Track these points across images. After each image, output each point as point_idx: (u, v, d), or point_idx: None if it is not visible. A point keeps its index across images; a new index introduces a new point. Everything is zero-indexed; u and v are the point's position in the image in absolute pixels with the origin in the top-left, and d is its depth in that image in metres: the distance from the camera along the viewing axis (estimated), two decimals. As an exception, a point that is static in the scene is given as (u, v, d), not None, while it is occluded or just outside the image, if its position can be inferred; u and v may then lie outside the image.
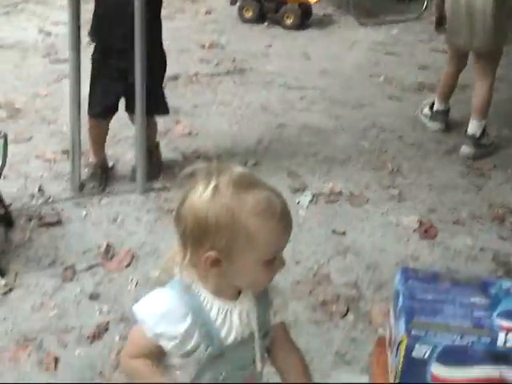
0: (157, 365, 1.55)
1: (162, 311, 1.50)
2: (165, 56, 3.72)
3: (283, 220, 1.48)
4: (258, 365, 1.60)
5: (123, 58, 3.47)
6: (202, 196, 1.44)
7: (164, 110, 3.80)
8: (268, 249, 1.47)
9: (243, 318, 1.55)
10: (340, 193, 3.86)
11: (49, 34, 6.12)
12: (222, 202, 1.42)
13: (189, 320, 1.49)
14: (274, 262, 1.49)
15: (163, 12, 3.78)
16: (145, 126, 3.64)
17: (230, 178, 1.45)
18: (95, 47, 3.58)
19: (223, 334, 1.52)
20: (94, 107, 3.60)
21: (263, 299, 1.59)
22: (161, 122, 4.42)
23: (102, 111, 3.63)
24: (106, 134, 3.79)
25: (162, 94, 3.75)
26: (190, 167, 1.51)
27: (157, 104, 3.68)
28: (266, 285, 1.57)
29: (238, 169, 1.50)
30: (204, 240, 1.43)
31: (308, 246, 3.36)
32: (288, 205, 1.51)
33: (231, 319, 1.54)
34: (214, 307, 1.52)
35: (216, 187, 1.43)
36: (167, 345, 1.51)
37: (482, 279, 1.56)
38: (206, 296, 1.52)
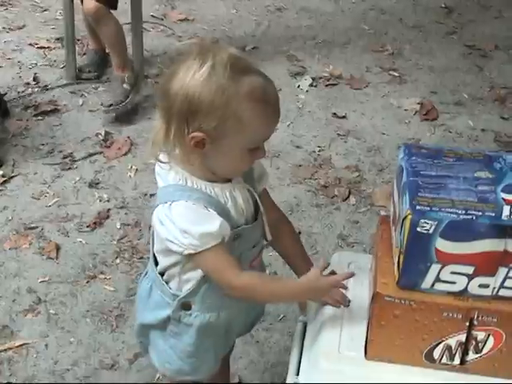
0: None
1: (193, 220, 1.44)
2: None
3: (276, 110, 1.44)
4: (268, 235, 1.60)
5: None
6: (196, 74, 1.37)
7: None
8: (256, 136, 1.43)
9: (244, 196, 1.53)
10: (340, 76, 3.81)
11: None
12: (218, 82, 1.36)
13: (212, 211, 1.45)
14: (256, 151, 1.45)
15: None
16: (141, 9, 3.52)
17: (228, 59, 1.39)
18: None
19: (235, 215, 1.50)
20: None
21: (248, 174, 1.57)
22: (156, 7, 4.35)
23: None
24: None
25: None
26: (186, 42, 1.46)
27: None
28: (242, 173, 1.54)
29: (234, 51, 1.45)
30: (192, 119, 1.37)
31: (309, 129, 3.32)
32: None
33: (236, 200, 1.52)
34: (219, 192, 1.49)
35: (213, 66, 1.37)
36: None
37: (486, 153, 1.53)
38: (204, 185, 1.48)
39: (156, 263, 1.60)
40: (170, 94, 1.40)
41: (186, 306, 1.56)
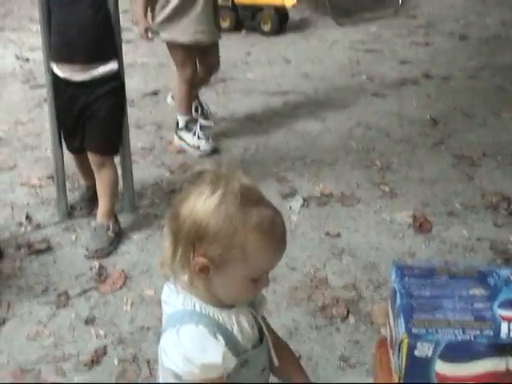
0: None
1: (199, 347, 1.42)
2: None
3: (282, 243, 1.45)
4: (275, 360, 1.58)
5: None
6: (206, 201, 1.39)
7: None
8: (260, 268, 1.44)
9: (249, 321, 1.51)
10: (331, 194, 3.82)
11: (26, 60, 6.07)
12: (227, 212, 1.37)
13: (221, 338, 1.44)
14: (259, 281, 1.46)
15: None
16: (129, 139, 3.57)
17: (239, 188, 1.40)
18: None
19: (242, 341, 1.49)
20: (67, 144, 3.53)
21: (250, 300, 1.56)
22: (145, 138, 4.41)
23: (72, 149, 3.57)
24: (88, 162, 3.59)
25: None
26: (200, 166, 1.47)
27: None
28: (246, 301, 1.53)
29: (247, 181, 1.46)
30: (198, 245, 1.39)
31: (303, 250, 3.31)
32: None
33: (242, 325, 1.50)
34: (225, 318, 1.48)
35: (224, 195, 1.39)
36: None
37: (478, 269, 1.52)
38: (212, 311, 1.47)
39: None
40: (180, 218, 1.42)
41: None
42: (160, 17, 4.08)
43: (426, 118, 4.77)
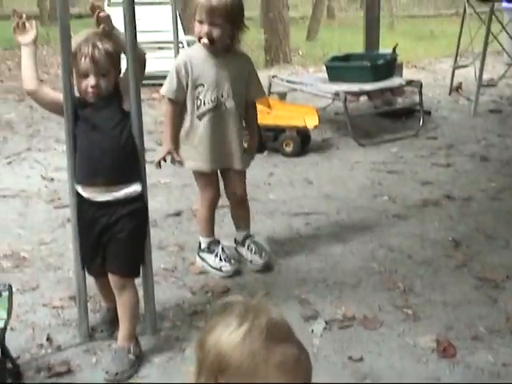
0: None
1: None
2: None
3: (303, 380, 1.44)
4: None
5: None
6: (232, 334, 1.40)
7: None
8: None
9: None
10: (353, 317, 3.79)
11: (51, 179, 6.17)
12: (251, 348, 1.37)
13: None
14: None
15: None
16: (151, 261, 3.58)
17: (266, 324, 1.40)
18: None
19: None
20: (87, 268, 3.54)
21: None
22: (167, 259, 4.43)
23: (92, 273, 3.58)
24: (109, 284, 3.56)
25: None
26: (232, 297, 1.48)
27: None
28: None
29: (275, 315, 1.46)
30: (220, 377, 1.38)
31: (325, 374, 3.26)
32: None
33: None
34: None
35: (249, 330, 1.39)
36: None
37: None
38: None
39: None
40: (205, 347, 1.42)
41: None
42: (185, 145, 4.19)
43: (448, 239, 4.76)
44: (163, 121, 4.33)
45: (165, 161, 4.16)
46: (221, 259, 4.32)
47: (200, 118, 4.12)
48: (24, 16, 3.28)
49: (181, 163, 4.22)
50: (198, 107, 4.11)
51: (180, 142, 4.21)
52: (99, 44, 3.25)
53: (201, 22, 4.01)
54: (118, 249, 3.36)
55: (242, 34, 4.18)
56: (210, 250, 4.38)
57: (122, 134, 3.30)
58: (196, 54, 4.16)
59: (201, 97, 4.09)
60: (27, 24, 3.31)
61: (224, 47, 4.10)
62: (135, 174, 3.38)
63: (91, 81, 3.24)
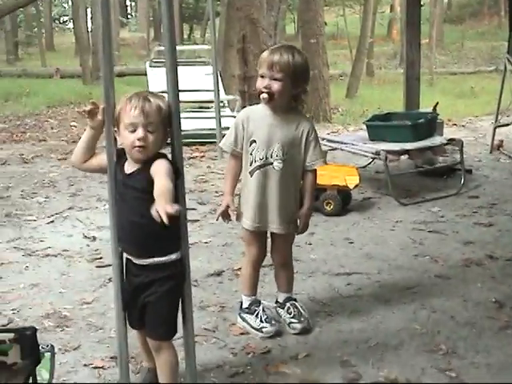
0: None
1: None
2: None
3: None
4: None
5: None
6: None
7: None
8: None
9: None
10: (395, 380, 3.74)
11: (93, 239, 6.23)
12: None
13: None
14: None
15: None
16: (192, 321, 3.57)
17: None
18: None
19: None
20: (128, 320, 3.53)
21: None
22: (208, 319, 4.43)
23: (131, 324, 3.57)
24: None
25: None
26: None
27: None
28: None
29: None
30: None
31: None
32: None
33: None
34: None
35: None
36: None
37: None
38: None
39: None
40: None
41: None
42: (241, 199, 4.28)
43: (491, 300, 4.71)
44: (225, 175, 4.39)
45: (224, 216, 4.21)
46: (261, 320, 4.31)
47: (251, 174, 4.16)
48: (101, 107, 3.31)
49: (230, 218, 4.27)
50: (251, 163, 4.15)
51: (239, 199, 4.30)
52: (150, 98, 3.29)
53: (262, 77, 4.05)
54: (151, 312, 3.36)
55: (306, 96, 4.22)
56: (250, 310, 4.37)
57: (147, 209, 3.05)
58: (256, 110, 4.21)
59: (253, 153, 4.13)
60: (99, 111, 3.33)
61: (284, 106, 4.12)
62: (169, 246, 3.36)
63: (139, 133, 3.24)
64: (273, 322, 4.32)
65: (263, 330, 4.27)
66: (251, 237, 4.30)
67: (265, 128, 4.11)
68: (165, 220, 2.85)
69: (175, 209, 2.89)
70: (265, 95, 4.04)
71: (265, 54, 4.06)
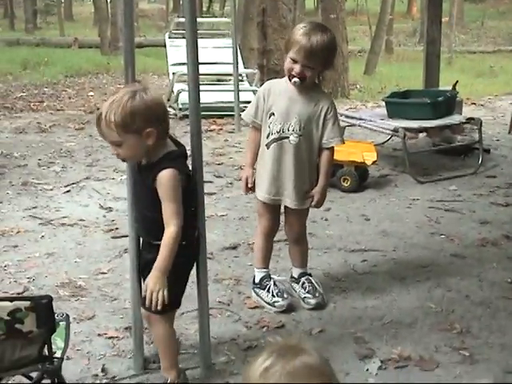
0: None
1: None
2: None
3: None
4: None
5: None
6: (254, 369, 1.49)
7: None
8: None
9: None
10: (409, 357, 3.74)
11: (110, 209, 6.24)
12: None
13: None
14: None
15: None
16: (207, 294, 3.58)
17: (287, 366, 1.46)
18: None
19: None
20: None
21: None
22: (223, 292, 4.43)
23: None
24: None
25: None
26: (272, 339, 1.58)
27: None
28: None
29: (305, 358, 1.50)
30: None
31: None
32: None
33: None
34: None
35: (266, 369, 1.47)
36: None
37: None
38: None
39: None
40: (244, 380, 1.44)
41: None
42: (257, 171, 4.28)
43: (506, 281, 4.70)
44: (246, 147, 4.37)
45: (247, 187, 4.25)
46: (273, 294, 4.31)
47: (268, 146, 4.15)
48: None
49: (252, 190, 4.28)
50: (267, 136, 4.14)
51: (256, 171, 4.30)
52: (102, 116, 3.10)
53: (294, 61, 4.00)
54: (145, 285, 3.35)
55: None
56: (262, 285, 4.37)
57: (151, 204, 3.19)
58: (278, 84, 4.20)
59: (270, 126, 4.12)
60: None
61: (308, 84, 4.11)
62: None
63: (112, 150, 3.24)
64: (285, 296, 4.32)
65: (275, 304, 4.28)
66: (264, 208, 4.30)
67: (284, 101, 4.10)
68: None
69: (160, 302, 3.14)
70: (297, 80, 4.01)
71: (299, 38, 3.96)
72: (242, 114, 4.31)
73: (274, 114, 4.09)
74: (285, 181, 4.17)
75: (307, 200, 4.25)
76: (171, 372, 3.42)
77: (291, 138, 4.10)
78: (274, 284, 4.36)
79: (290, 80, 4.04)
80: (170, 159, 3.17)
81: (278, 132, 4.09)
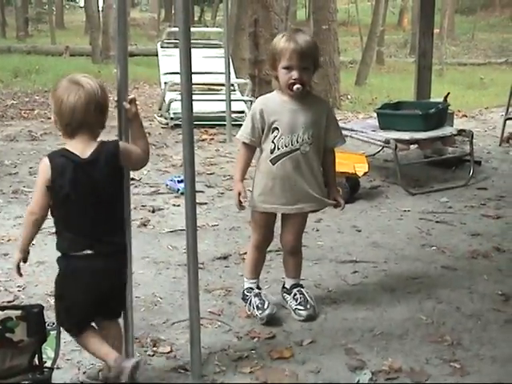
0: None
1: None
2: None
3: None
4: None
5: None
6: None
7: None
8: None
9: None
10: (400, 369, 3.73)
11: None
12: None
13: None
14: None
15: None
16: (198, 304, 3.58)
17: None
18: None
19: None
20: None
21: None
22: (213, 302, 4.42)
23: None
24: None
25: None
26: None
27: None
28: None
29: None
30: None
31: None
32: None
33: None
34: None
35: None
36: None
37: None
38: None
39: None
40: None
41: None
42: (258, 187, 4.24)
43: (497, 293, 4.70)
44: (236, 162, 4.33)
45: (241, 203, 4.17)
46: (253, 307, 4.29)
47: (273, 162, 4.13)
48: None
49: (244, 207, 4.23)
50: (272, 151, 4.13)
51: (254, 184, 4.26)
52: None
53: (288, 68, 4.00)
54: None
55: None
56: (245, 298, 4.37)
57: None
58: (272, 98, 4.19)
59: (275, 141, 4.11)
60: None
61: (306, 90, 4.12)
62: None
63: None
64: (265, 307, 4.27)
65: (258, 317, 4.25)
66: (262, 220, 4.28)
67: (287, 114, 4.09)
68: None
69: None
70: (299, 86, 4.02)
71: (286, 45, 3.98)
72: (237, 135, 4.23)
73: (277, 128, 4.08)
74: (302, 188, 4.15)
75: (326, 197, 4.30)
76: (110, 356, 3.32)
77: (302, 148, 4.10)
78: (257, 295, 4.33)
79: (291, 90, 4.03)
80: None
81: (286, 146, 4.08)
